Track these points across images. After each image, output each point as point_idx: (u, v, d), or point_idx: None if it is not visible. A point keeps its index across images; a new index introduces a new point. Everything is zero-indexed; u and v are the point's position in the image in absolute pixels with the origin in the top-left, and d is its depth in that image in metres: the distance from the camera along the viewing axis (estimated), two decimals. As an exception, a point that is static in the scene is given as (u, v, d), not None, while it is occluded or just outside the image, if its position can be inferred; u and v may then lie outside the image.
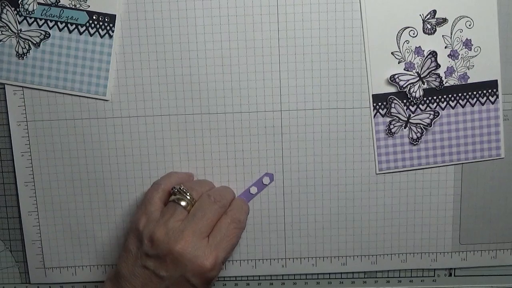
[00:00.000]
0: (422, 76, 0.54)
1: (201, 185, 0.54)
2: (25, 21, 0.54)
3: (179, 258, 0.48)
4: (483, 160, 0.56)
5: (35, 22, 0.54)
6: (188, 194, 0.51)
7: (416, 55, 0.53)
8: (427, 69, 0.53)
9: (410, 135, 0.55)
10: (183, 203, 0.50)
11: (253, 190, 0.56)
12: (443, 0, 0.53)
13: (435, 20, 0.53)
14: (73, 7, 0.53)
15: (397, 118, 0.55)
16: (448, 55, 0.54)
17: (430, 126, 0.55)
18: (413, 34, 0.53)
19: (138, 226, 0.51)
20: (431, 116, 0.54)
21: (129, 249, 0.51)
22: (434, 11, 0.53)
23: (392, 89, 0.54)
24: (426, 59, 0.53)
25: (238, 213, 0.52)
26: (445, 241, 0.57)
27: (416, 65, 0.54)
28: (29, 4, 0.53)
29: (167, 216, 0.50)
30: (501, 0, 0.53)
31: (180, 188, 0.51)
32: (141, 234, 0.50)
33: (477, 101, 0.54)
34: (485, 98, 0.54)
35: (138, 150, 0.56)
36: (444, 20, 0.53)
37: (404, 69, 0.54)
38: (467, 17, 0.53)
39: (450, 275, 0.59)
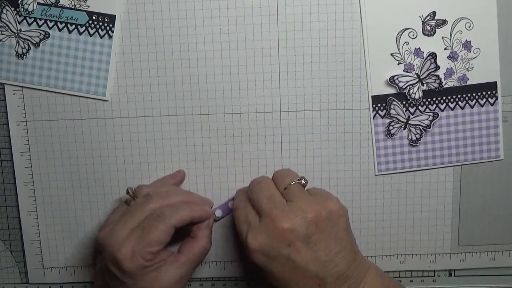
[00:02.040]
0: (421, 77, 0.54)
1: (158, 186, 0.54)
2: (24, 21, 0.54)
3: (100, 246, 0.50)
4: (482, 161, 0.56)
5: (34, 22, 0.54)
6: (133, 192, 0.53)
7: (415, 57, 0.53)
8: (427, 70, 0.53)
9: (410, 137, 0.55)
10: (126, 200, 0.53)
11: (218, 213, 0.56)
12: (443, 1, 0.53)
13: (435, 21, 0.53)
14: (73, 7, 0.53)
15: (397, 120, 0.55)
16: (447, 57, 0.54)
17: (429, 128, 0.55)
18: (413, 35, 0.53)
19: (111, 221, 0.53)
20: (430, 118, 0.54)
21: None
22: (434, 13, 0.53)
23: (391, 91, 0.54)
24: (426, 60, 0.53)
25: (168, 210, 0.50)
26: (444, 242, 0.57)
27: (415, 67, 0.54)
28: (29, 4, 0.53)
29: (114, 214, 0.53)
30: (500, 1, 0.53)
31: (130, 188, 0.53)
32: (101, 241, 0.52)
33: (476, 103, 0.54)
34: (484, 99, 0.54)
35: (137, 150, 0.56)
36: (444, 22, 0.53)
37: (403, 71, 0.54)
38: (467, 18, 0.53)
39: (450, 275, 0.59)
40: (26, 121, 0.56)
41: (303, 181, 0.50)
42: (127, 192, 0.53)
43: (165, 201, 0.51)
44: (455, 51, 0.53)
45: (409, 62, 0.54)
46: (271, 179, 0.52)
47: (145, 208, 0.50)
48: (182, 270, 0.51)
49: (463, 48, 0.53)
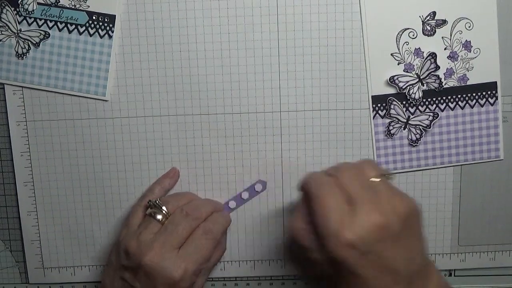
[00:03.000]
0: (421, 77, 0.54)
1: (178, 198, 0.54)
2: (24, 21, 0.54)
3: (149, 270, 0.48)
4: (482, 161, 0.56)
5: (34, 22, 0.54)
6: (163, 207, 0.51)
7: (415, 57, 0.53)
8: (427, 70, 0.53)
9: (409, 137, 0.55)
10: (158, 217, 0.51)
11: (245, 195, 0.56)
12: (443, 1, 0.53)
13: (435, 21, 0.53)
14: (73, 7, 0.53)
15: (397, 120, 0.55)
16: (447, 57, 0.54)
17: (429, 128, 0.55)
18: (413, 35, 0.53)
19: (118, 237, 0.52)
20: (430, 118, 0.54)
21: (111, 260, 0.52)
22: (434, 13, 0.53)
23: (391, 91, 0.54)
24: (426, 60, 0.53)
25: (211, 225, 0.52)
26: (444, 242, 0.57)
27: (415, 67, 0.54)
28: (29, 4, 0.53)
29: (141, 228, 0.51)
30: (500, 1, 0.53)
31: (155, 202, 0.52)
32: (119, 245, 0.51)
33: (476, 103, 0.54)
34: (484, 99, 0.54)
35: (137, 150, 0.56)
36: (444, 22, 0.53)
37: (403, 71, 0.54)
38: (467, 18, 0.53)
39: (450, 275, 0.59)
40: (26, 121, 0.56)
41: (390, 176, 0.46)
42: (151, 206, 0.52)
43: (201, 215, 0.52)
44: (455, 51, 0.53)
45: (409, 62, 0.54)
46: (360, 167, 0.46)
47: (188, 225, 0.50)
48: (207, 276, 0.54)
49: (463, 48, 0.53)
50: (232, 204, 0.56)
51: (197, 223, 0.51)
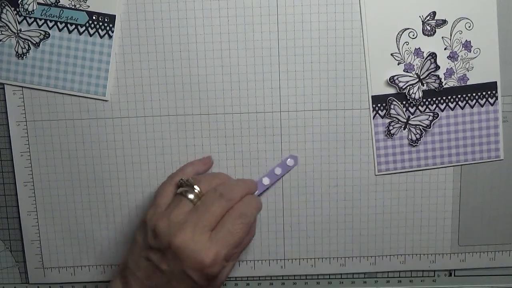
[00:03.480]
0: (421, 77, 0.54)
1: (211, 178, 0.51)
2: (24, 21, 0.54)
3: (178, 252, 0.46)
4: (482, 161, 0.56)
5: (34, 22, 0.54)
6: (195, 186, 0.49)
7: (415, 57, 0.53)
8: (427, 70, 0.53)
9: (410, 137, 0.55)
10: (190, 196, 0.48)
11: (278, 171, 0.55)
12: (442, 1, 0.53)
13: (435, 21, 0.53)
14: (73, 7, 0.53)
15: (397, 120, 0.55)
16: (447, 57, 0.54)
17: (429, 128, 0.55)
18: (413, 35, 0.53)
19: (145, 217, 0.49)
20: (430, 118, 0.54)
21: (136, 240, 0.49)
22: (434, 13, 0.53)
23: (391, 91, 0.54)
24: (426, 60, 0.53)
25: (245, 207, 0.49)
26: (444, 242, 0.57)
27: (415, 67, 0.54)
28: (29, 4, 0.53)
29: (171, 208, 0.48)
30: (500, 1, 0.53)
31: (187, 180, 0.49)
32: (146, 225, 0.48)
33: (476, 103, 0.54)
34: (484, 99, 0.54)
35: (137, 150, 0.56)
36: (444, 22, 0.53)
37: (403, 71, 0.54)
38: (467, 18, 0.53)
39: (450, 275, 0.59)
40: (26, 121, 0.56)
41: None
42: (182, 185, 0.49)
43: (236, 197, 0.49)
44: (455, 51, 0.53)
45: (409, 62, 0.54)
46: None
47: (221, 207, 0.48)
48: (235, 262, 0.51)
49: (463, 48, 0.53)
50: (266, 180, 0.55)
51: (230, 204, 0.49)
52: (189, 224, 0.47)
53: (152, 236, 0.47)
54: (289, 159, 0.55)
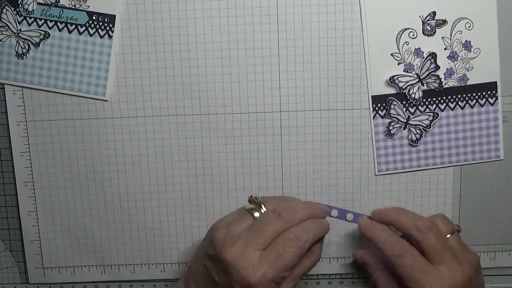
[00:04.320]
0: (421, 77, 0.54)
1: (280, 200, 0.51)
2: (24, 21, 0.54)
3: (227, 265, 0.45)
4: (482, 161, 0.56)
5: (34, 22, 0.54)
6: (262, 205, 0.49)
7: (415, 57, 0.53)
8: (427, 70, 0.53)
9: (410, 137, 0.55)
10: (255, 214, 0.48)
11: (349, 217, 0.55)
12: (443, 1, 0.53)
13: (435, 21, 0.53)
14: (73, 7, 0.53)
15: (397, 120, 0.55)
16: (447, 57, 0.54)
17: (429, 128, 0.55)
18: (413, 35, 0.53)
19: (213, 225, 0.50)
20: (430, 118, 0.54)
21: (201, 244, 0.50)
22: (434, 13, 0.53)
23: (391, 91, 0.54)
24: (426, 60, 0.53)
25: (301, 231, 0.47)
26: (444, 242, 0.57)
27: (415, 67, 0.54)
28: (29, 4, 0.53)
29: (233, 221, 0.48)
30: (500, 1, 0.53)
31: (256, 198, 0.50)
32: (210, 231, 0.49)
33: (477, 103, 0.54)
34: (484, 99, 0.54)
35: (137, 150, 0.56)
36: (444, 22, 0.53)
37: (403, 71, 0.54)
38: (467, 18, 0.53)
39: (449, 275, 0.59)
40: (26, 121, 0.56)
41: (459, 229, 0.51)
42: (251, 201, 0.50)
43: (295, 219, 0.48)
44: (455, 51, 0.53)
45: (409, 62, 0.54)
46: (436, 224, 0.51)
47: (277, 227, 0.47)
48: (294, 284, 0.50)
49: (463, 48, 0.53)
50: (335, 213, 0.55)
51: (287, 226, 0.47)
52: (242, 240, 0.46)
53: (210, 244, 0.47)
54: (364, 217, 0.55)
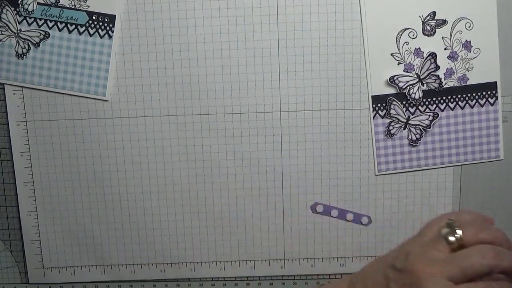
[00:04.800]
0: (421, 77, 0.54)
1: (481, 229, 0.48)
2: (24, 21, 0.54)
3: (417, 283, 0.44)
4: (482, 161, 0.56)
5: (34, 22, 0.54)
6: (458, 230, 0.46)
7: (415, 57, 0.53)
8: (427, 70, 0.53)
9: (410, 137, 0.55)
10: (451, 238, 0.46)
11: (349, 217, 0.56)
12: (443, 1, 0.53)
13: (435, 21, 0.53)
14: (73, 7, 0.53)
15: (397, 120, 0.55)
16: (447, 57, 0.54)
17: (430, 128, 0.55)
18: (413, 35, 0.53)
19: (407, 241, 0.48)
20: (430, 118, 0.54)
21: (388, 255, 0.49)
22: (434, 13, 0.53)
23: (391, 91, 0.54)
24: (426, 60, 0.53)
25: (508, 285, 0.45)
26: (444, 242, 0.57)
27: (415, 67, 0.54)
28: (29, 4, 0.53)
29: (430, 243, 0.46)
30: (500, 2, 0.53)
31: (452, 223, 0.47)
32: (403, 247, 0.48)
33: (476, 103, 0.54)
34: (484, 99, 0.54)
35: (137, 150, 0.56)
36: (444, 22, 0.53)
37: (403, 71, 0.54)
38: (467, 18, 0.53)
39: (449, 275, 0.59)
40: (26, 121, 0.56)
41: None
42: (447, 226, 0.47)
43: (502, 264, 0.45)
44: (455, 51, 0.53)
45: (409, 62, 0.54)
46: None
47: (482, 267, 0.44)
48: None
49: (463, 48, 0.53)
50: (335, 213, 0.55)
51: (488, 270, 0.45)
52: (440, 265, 0.45)
53: (401, 257, 0.46)
54: (363, 217, 0.55)
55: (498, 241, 0.47)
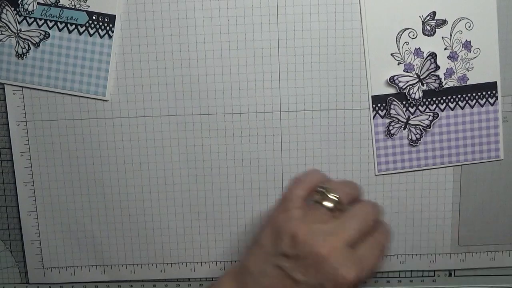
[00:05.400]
0: (421, 77, 0.54)
1: (350, 187, 0.49)
2: (24, 21, 0.54)
3: (322, 263, 0.43)
4: (482, 161, 0.56)
5: (34, 22, 0.54)
6: (334, 195, 0.46)
7: (415, 57, 0.53)
8: (427, 70, 0.53)
9: (410, 137, 0.55)
10: (328, 205, 0.46)
11: None
12: (443, 1, 0.53)
13: (435, 21, 0.53)
14: (73, 7, 0.53)
15: (397, 120, 0.55)
16: (447, 57, 0.54)
17: (430, 128, 0.55)
18: (413, 35, 0.53)
19: (277, 222, 0.46)
20: (430, 118, 0.54)
21: (263, 244, 0.46)
22: (434, 13, 0.53)
23: (391, 90, 0.54)
24: (426, 60, 0.53)
25: (385, 239, 0.47)
26: (444, 242, 0.57)
27: (415, 67, 0.54)
28: (29, 4, 0.53)
29: (311, 216, 0.45)
30: (500, 1, 0.53)
31: (327, 188, 0.47)
32: (280, 230, 0.45)
33: (477, 103, 0.54)
34: (484, 99, 0.54)
35: (137, 150, 0.56)
36: (444, 22, 0.53)
37: (403, 71, 0.54)
38: (467, 18, 0.53)
39: (450, 275, 0.59)
40: (26, 121, 0.56)
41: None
42: (319, 193, 0.47)
43: (380, 219, 0.47)
44: (455, 51, 0.53)
45: (409, 62, 0.54)
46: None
47: (370, 226, 0.46)
48: None
49: (463, 48, 0.53)
50: None
51: (376, 226, 0.46)
52: (336, 237, 0.44)
53: (290, 243, 0.44)
54: None
55: (359, 192, 0.48)
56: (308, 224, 0.45)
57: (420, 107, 0.54)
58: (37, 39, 0.54)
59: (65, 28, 0.54)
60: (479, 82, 0.54)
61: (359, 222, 0.45)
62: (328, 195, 0.46)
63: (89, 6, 0.53)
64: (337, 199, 0.46)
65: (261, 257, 0.46)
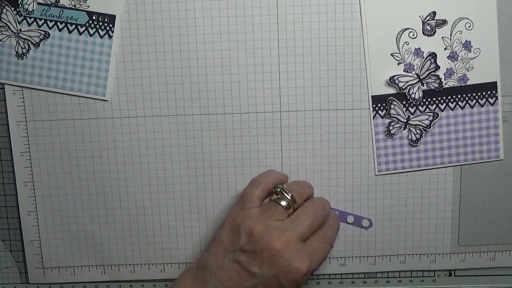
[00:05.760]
0: (421, 77, 0.54)
1: (303, 187, 0.53)
2: (24, 21, 0.54)
3: (277, 256, 0.47)
4: (482, 161, 0.56)
5: (34, 22, 0.54)
6: (289, 194, 0.51)
7: (415, 57, 0.53)
8: (427, 70, 0.53)
9: (410, 137, 0.55)
10: (283, 203, 0.50)
11: (350, 219, 0.56)
12: (443, 1, 0.53)
13: (435, 21, 0.53)
14: (73, 7, 0.53)
15: (397, 120, 0.55)
16: (447, 57, 0.54)
17: (430, 128, 0.55)
18: (413, 35, 0.53)
19: (235, 220, 0.50)
20: (430, 118, 0.54)
21: (222, 240, 0.50)
22: (434, 13, 0.53)
23: (391, 90, 0.54)
24: (426, 60, 0.53)
25: (332, 232, 0.52)
26: (444, 242, 0.57)
27: (415, 67, 0.54)
28: (29, 4, 0.53)
29: (267, 214, 0.49)
30: (500, 1, 0.53)
31: (282, 188, 0.51)
32: (239, 227, 0.49)
33: (476, 103, 0.54)
34: (484, 99, 0.54)
35: (137, 150, 0.56)
36: (444, 22, 0.53)
37: (403, 71, 0.54)
38: (467, 18, 0.53)
39: (450, 275, 0.59)
40: (26, 121, 0.56)
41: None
42: (276, 192, 0.51)
43: (328, 214, 0.53)
44: (455, 51, 0.53)
45: (409, 62, 0.54)
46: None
47: (319, 221, 0.51)
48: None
49: (463, 48, 0.53)
50: (350, 219, 0.57)
51: (324, 221, 0.51)
52: (290, 232, 0.48)
53: (247, 238, 0.48)
54: (364, 220, 0.56)
55: (311, 191, 0.53)
56: (264, 221, 0.49)
57: (420, 107, 0.54)
58: (37, 39, 0.54)
59: (65, 28, 0.54)
60: (479, 82, 0.54)
61: (310, 218, 0.50)
62: (284, 195, 0.51)
63: (89, 6, 0.53)
64: (291, 198, 0.51)
65: (220, 253, 0.49)
